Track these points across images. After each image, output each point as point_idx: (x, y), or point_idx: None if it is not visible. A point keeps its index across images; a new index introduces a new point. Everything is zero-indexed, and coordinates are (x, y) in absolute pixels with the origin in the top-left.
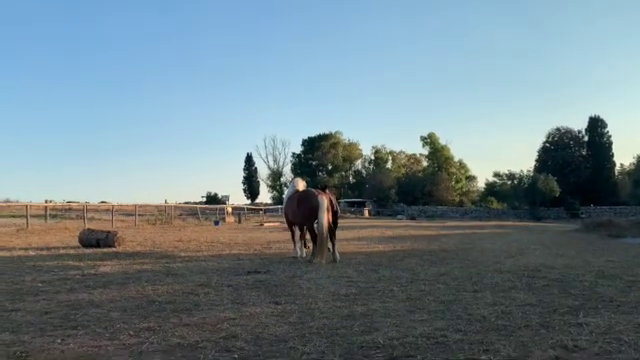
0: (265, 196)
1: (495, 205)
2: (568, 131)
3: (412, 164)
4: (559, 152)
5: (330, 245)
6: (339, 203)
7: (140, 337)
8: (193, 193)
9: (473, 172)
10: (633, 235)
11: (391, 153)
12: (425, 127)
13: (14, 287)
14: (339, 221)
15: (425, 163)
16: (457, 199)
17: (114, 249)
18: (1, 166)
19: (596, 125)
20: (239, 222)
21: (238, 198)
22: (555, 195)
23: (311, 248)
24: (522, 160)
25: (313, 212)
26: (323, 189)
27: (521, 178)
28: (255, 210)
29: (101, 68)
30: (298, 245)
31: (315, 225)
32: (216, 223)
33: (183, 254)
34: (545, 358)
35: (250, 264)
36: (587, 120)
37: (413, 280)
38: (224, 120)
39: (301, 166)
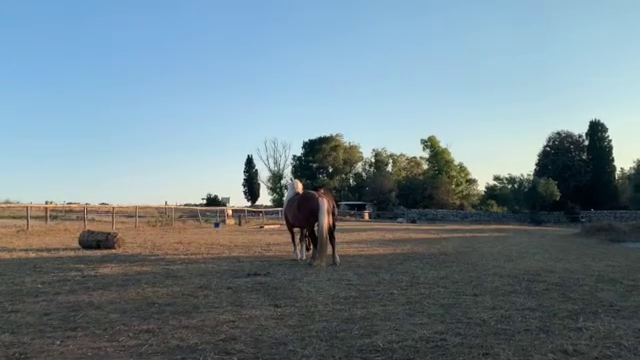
0: (265, 198)
1: (495, 209)
2: (568, 135)
3: (412, 167)
4: (559, 156)
5: (330, 248)
6: (338, 205)
7: (139, 339)
8: (193, 195)
9: (473, 175)
10: (633, 239)
11: (391, 156)
12: (425, 130)
13: (14, 288)
14: (337, 223)
15: (425, 166)
16: (457, 202)
17: (114, 251)
18: (2, 167)
19: (596, 129)
20: (239, 224)
21: (238, 200)
22: (555, 199)
23: (311, 251)
24: (522, 164)
25: (313, 215)
26: (315, 189)
27: (521, 182)
28: (255, 212)
29: (101, 70)
30: (298, 248)
31: (315, 228)
32: (216, 225)
33: (183, 256)
34: None
35: (250, 266)
36: (588, 124)
37: (413, 283)
38: (225, 122)
39: (302, 169)
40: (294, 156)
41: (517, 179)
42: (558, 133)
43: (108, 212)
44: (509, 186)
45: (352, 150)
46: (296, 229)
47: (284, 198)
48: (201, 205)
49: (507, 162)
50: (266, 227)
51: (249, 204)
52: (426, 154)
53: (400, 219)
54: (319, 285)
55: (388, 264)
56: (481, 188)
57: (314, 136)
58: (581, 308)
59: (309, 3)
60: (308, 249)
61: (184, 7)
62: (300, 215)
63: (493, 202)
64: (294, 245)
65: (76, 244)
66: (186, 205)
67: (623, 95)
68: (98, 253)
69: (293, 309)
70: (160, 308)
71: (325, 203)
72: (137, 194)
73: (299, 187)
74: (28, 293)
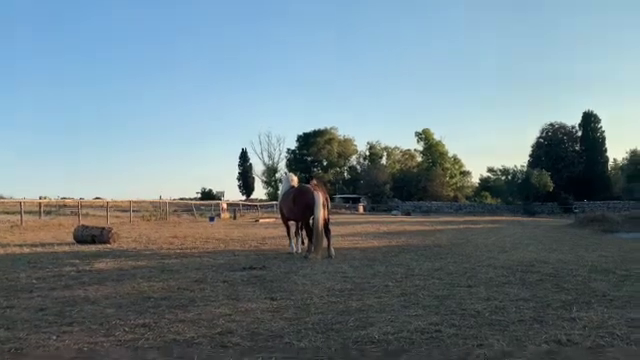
0: (260, 192)
1: (489, 200)
2: (562, 126)
3: (407, 160)
4: (553, 147)
5: (325, 241)
6: (332, 199)
7: (136, 333)
8: (188, 189)
9: (467, 167)
10: (626, 230)
11: (386, 149)
12: (420, 123)
13: (9, 284)
14: (332, 216)
15: (420, 159)
16: (451, 194)
17: (109, 245)
18: None
19: (590, 120)
20: (234, 218)
21: (233, 194)
22: (549, 190)
23: (307, 244)
24: (516, 155)
25: (309, 208)
26: (308, 181)
27: (515, 173)
28: (250, 206)
29: (97, 65)
30: (294, 241)
31: (311, 221)
32: (211, 219)
33: (178, 250)
34: (538, 352)
35: (245, 260)
36: (581, 115)
37: (408, 275)
38: (219, 116)
39: (296, 162)
40: (288, 149)
41: (510, 170)
42: (551, 124)
43: (102, 207)
44: (503, 177)
45: (346, 143)
46: (291, 222)
47: (279, 192)
48: (196, 199)
49: (501, 154)
50: (261, 221)
51: (244, 198)
52: (420, 147)
53: (395, 211)
54: (315, 278)
55: (383, 256)
56: (475, 180)
57: (308, 129)
58: (574, 298)
59: None
60: (303, 242)
61: (181, 1)
62: (295, 208)
63: (487, 194)
64: (289, 238)
65: (71, 239)
66: (181, 199)
67: (616, 86)
68: (93, 248)
69: (289, 302)
70: (156, 302)
71: (320, 197)
72: (131, 188)
73: (294, 181)
74: (23, 289)
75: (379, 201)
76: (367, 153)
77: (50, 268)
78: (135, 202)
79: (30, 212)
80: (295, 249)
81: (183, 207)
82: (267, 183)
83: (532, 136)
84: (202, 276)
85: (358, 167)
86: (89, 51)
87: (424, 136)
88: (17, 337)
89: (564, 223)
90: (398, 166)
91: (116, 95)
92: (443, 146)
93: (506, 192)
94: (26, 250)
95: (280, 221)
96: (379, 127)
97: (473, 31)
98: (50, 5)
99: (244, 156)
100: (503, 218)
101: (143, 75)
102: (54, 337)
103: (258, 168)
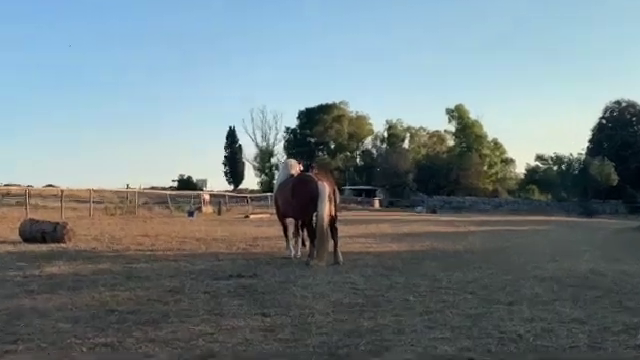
0: (252, 181)
1: (537, 196)
2: (631, 105)
3: (435, 144)
4: (618, 131)
5: (331, 243)
6: (341, 190)
7: (96, 354)
8: (161, 176)
9: (511, 154)
10: None
11: (409, 129)
12: (452, 97)
13: None
14: (340, 213)
15: (451, 142)
16: (490, 188)
17: (63, 245)
18: None
19: None
20: (219, 213)
21: (218, 183)
22: (612, 184)
23: (308, 247)
24: (572, 141)
25: (312, 202)
26: (307, 168)
27: (570, 163)
28: (239, 198)
29: (60, 42)
30: (292, 243)
31: (314, 218)
32: (190, 214)
33: (149, 252)
34: None
35: (232, 266)
36: None
37: (433, 289)
38: (200, 85)
39: (296, 144)
40: (287, 128)
41: (565, 159)
42: (617, 102)
43: (55, 196)
44: (555, 168)
45: (360, 122)
46: (289, 220)
47: (275, 181)
48: (171, 189)
49: (553, 138)
50: (252, 217)
51: (231, 188)
52: (452, 127)
53: (419, 208)
54: (317, 289)
55: (402, 264)
56: (520, 170)
57: (312, 104)
58: None
59: None
60: (304, 245)
61: None
62: (295, 202)
63: (534, 187)
64: (287, 240)
65: (16, 236)
66: (152, 189)
67: None
68: (43, 247)
69: (285, 319)
70: (121, 317)
71: (327, 188)
72: (91, 175)
73: (295, 168)
74: None
75: (399, 195)
76: (385, 134)
77: None
78: (96, 191)
79: None
80: (294, 253)
81: (155, 198)
82: (260, 170)
83: (593, 117)
84: (178, 285)
85: (374, 152)
86: (60, 30)
87: (457, 114)
88: None
89: (630, 226)
90: (424, 151)
91: (73, 68)
92: (481, 127)
93: (559, 186)
94: None
95: (275, 217)
96: (401, 102)
97: None
98: None
99: (232, 136)
100: (554, 218)
101: (108, 43)
102: None
103: (249, 151)
